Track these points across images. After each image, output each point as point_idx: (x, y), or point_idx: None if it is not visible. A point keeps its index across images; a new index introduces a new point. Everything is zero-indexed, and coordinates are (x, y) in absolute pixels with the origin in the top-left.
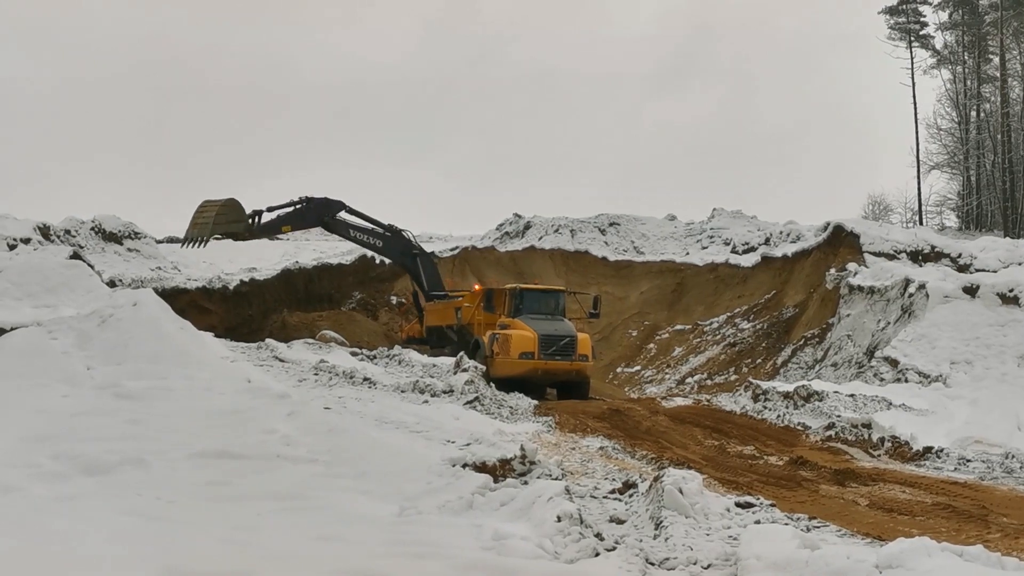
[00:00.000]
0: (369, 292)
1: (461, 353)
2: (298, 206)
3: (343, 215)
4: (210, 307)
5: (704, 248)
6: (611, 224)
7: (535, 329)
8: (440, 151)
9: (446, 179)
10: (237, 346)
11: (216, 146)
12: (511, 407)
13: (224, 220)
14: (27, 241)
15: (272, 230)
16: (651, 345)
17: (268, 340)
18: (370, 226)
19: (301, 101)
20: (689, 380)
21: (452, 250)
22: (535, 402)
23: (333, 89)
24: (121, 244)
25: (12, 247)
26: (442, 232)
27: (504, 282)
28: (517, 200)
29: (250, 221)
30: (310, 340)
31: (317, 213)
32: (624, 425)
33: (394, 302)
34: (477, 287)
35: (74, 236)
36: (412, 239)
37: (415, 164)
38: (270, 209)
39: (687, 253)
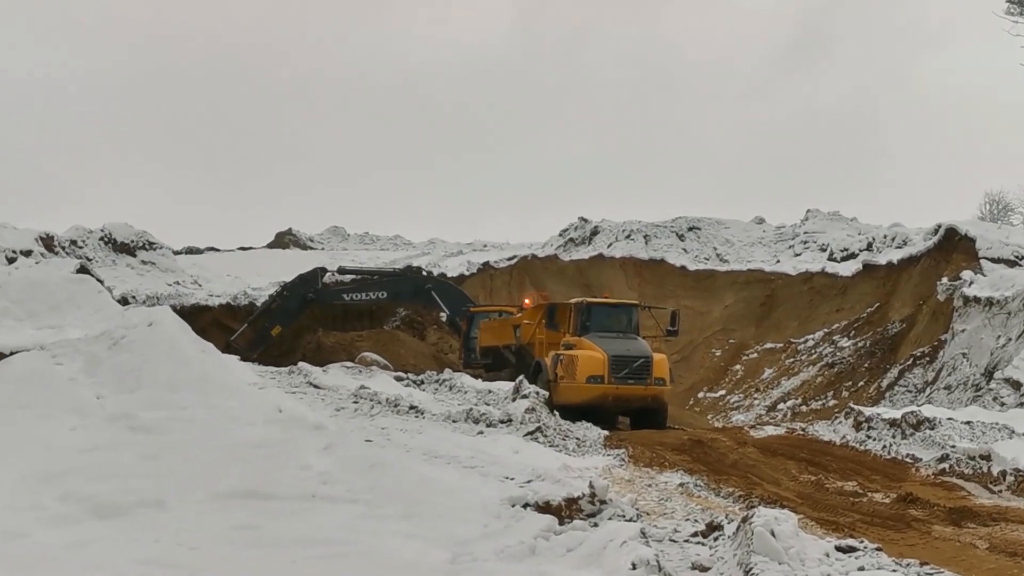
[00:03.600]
0: (415, 309)
1: (520, 377)
2: (275, 301)
3: (332, 278)
4: (235, 326)
5: (797, 255)
6: (690, 228)
7: (605, 349)
8: (495, 148)
9: (502, 179)
10: (266, 371)
11: (245, 145)
12: (578, 439)
13: None
14: (28, 253)
15: (262, 341)
16: (737, 366)
17: (301, 364)
18: (368, 279)
19: (339, 99)
20: (781, 406)
21: (509, 260)
22: (605, 432)
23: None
24: (134, 256)
25: (11, 260)
26: (497, 239)
27: (569, 295)
28: (582, 202)
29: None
30: (348, 364)
31: (298, 296)
32: (707, 458)
33: (444, 319)
34: (527, 301)
35: (81, 247)
36: (424, 272)
37: (467, 163)
38: (249, 323)
39: (778, 261)
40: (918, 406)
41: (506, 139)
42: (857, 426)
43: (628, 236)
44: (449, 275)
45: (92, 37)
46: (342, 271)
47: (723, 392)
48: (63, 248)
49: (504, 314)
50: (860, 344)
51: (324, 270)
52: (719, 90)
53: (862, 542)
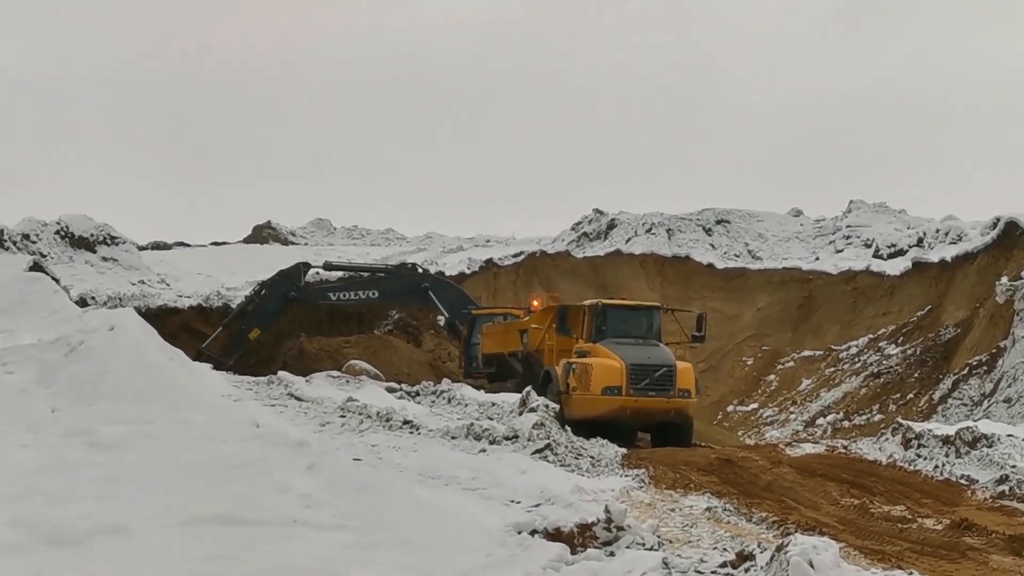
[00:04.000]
0: (410, 311)
1: (528, 388)
2: (253, 301)
3: (316, 276)
4: (208, 331)
5: (839, 251)
6: (719, 222)
7: (622, 357)
8: (500, 133)
9: (507, 167)
10: (242, 380)
11: (220, 129)
12: (592, 457)
13: None
14: None
15: (238, 346)
16: (771, 376)
17: (282, 373)
18: (358, 275)
19: (327, 80)
20: (820, 421)
21: (515, 256)
22: (623, 450)
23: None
24: (94, 252)
25: None
26: (501, 233)
27: (582, 296)
28: (598, 193)
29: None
30: (335, 373)
31: (277, 295)
32: (737, 479)
33: (442, 323)
34: (536, 303)
35: (34, 242)
36: (419, 269)
37: (469, 149)
38: (224, 327)
39: (816, 258)
40: (974, 421)
41: (512, 123)
42: (906, 444)
43: (649, 230)
44: (448, 273)
45: (49, 18)
46: (328, 267)
47: (755, 405)
48: (14, 243)
49: (509, 317)
50: (909, 352)
51: (307, 266)
52: (752, 68)
53: (911, 573)
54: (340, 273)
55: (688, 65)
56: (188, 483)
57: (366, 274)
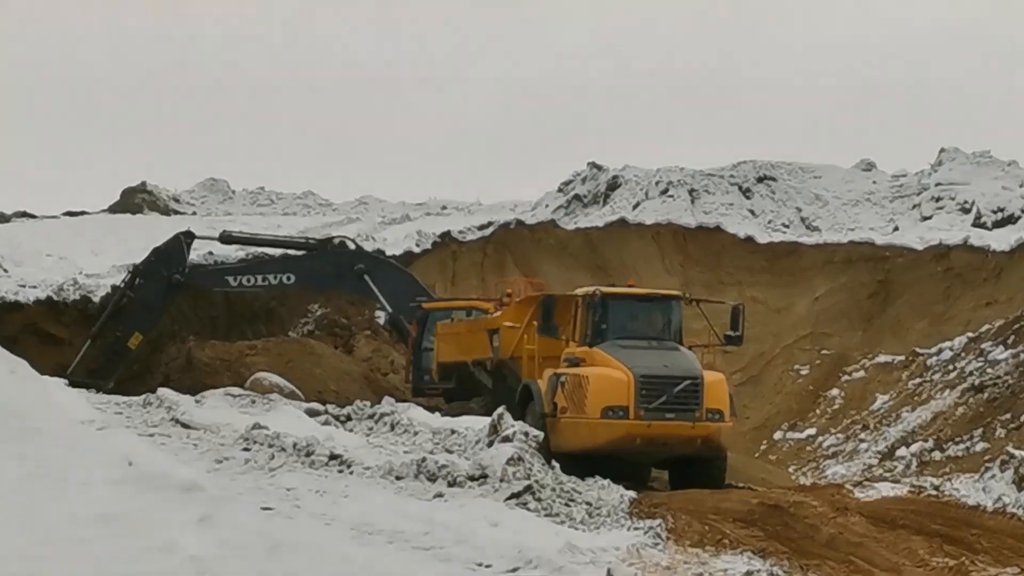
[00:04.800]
0: (338, 304)
1: (501, 410)
2: (126, 295)
3: (211, 258)
4: (62, 334)
5: (925, 219)
6: (761, 179)
7: (630, 366)
8: (457, 57)
9: (469, 106)
10: (109, 401)
11: (75, 67)
12: (589, 504)
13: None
14: None
15: (118, 360)
16: (834, 391)
17: (162, 391)
18: (266, 257)
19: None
20: (902, 452)
21: (481, 228)
22: (631, 494)
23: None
24: None
25: None
26: (464, 198)
27: (573, 283)
28: (594, 141)
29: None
30: (235, 390)
31: (156, 281)
32: (789, 533)
33: (382, 320)
34: (510, 292)
35: None
36: (351, 245)
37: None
38: (93, 338)
39: (895, 228)
40: None
41: (475, 42)
42: (1019, 482)
43: (665, 191)
44: (390, 252)
45: None
46: (226, 239)
47: (812, 431)
48: None
49: (474, 312)
50: (1023, 356)
51: (191, 236)
52: None
53: None
54: (243, 253)
55: None
56: (34, 546)
57: (278, 252)
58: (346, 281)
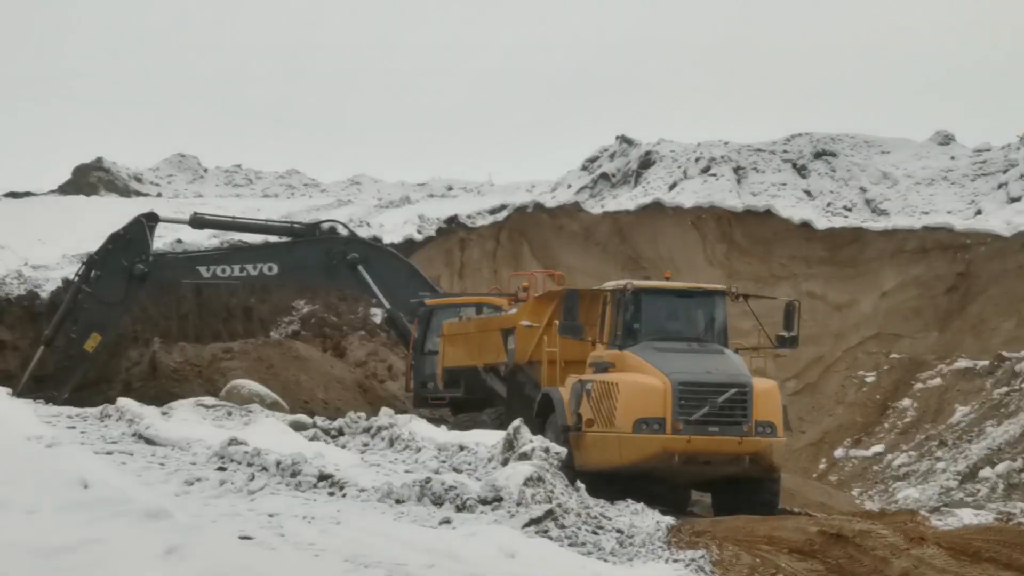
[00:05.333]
0: (328, 301)
1: (517, 422)
2: (81, 290)
3: (179, 242)
4: (3, 336)
5: (1013, 200)
6: (818, 155)
7: (667, 371)
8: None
9: (479, 74)
10: (60, 414)
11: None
12: (620, 531)
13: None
14: None
15: (75, 366)
16: (906, 402)
17: (122, 401)
18: (243, 244)
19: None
20: (987, 473)
21: (493, 213)
22: (669, 520)
23: None
24: None
25: None
26: (470, 177)
27: (601, 276)
28: (623, 112)
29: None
30: (208, 400)
31: (116, 271)
32: (854, 567)
33: (379, 319)
34: (527, 286)
35: None
36: (346, 232)
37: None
38: (46, 343)
39: (978, 211)
40: None
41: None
42: None
43: (706, 169)
44: (388, 240)
45: None
46: (197, 223)
47: (880, 448)
48: None
49: (486, 309)
50: None
51: (154, 219)
52: None
53: None
54: (216, 240)
55: None
56: None
57: (258, 238)
58: (337, 273)
